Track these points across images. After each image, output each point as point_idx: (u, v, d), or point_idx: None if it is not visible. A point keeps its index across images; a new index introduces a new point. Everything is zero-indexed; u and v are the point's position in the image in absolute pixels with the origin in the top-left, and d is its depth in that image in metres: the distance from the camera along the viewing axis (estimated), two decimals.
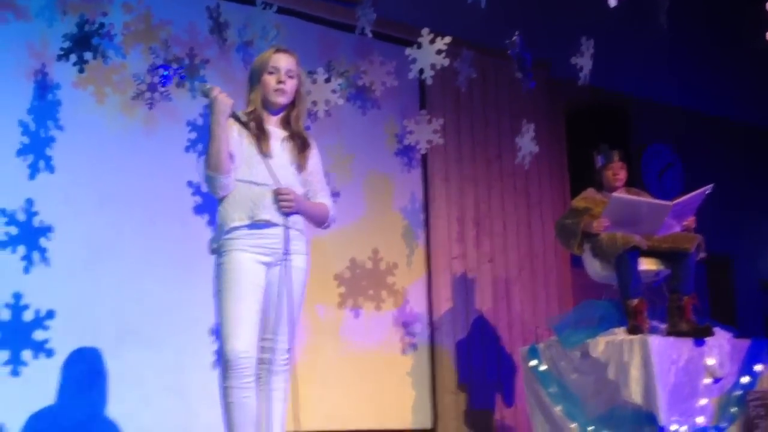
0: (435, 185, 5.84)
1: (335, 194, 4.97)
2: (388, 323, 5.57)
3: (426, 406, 5.61)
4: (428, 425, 5.59)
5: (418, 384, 5.61)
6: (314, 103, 4.74)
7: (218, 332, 3.22)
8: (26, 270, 4.44)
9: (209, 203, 4.77)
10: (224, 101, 3.19)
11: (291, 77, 3.32)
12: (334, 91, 4.81)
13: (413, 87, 5.70)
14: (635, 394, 4.33)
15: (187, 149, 4.97)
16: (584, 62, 4.73)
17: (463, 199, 5.94)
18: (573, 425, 4.62)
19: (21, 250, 4.44)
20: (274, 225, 3.20)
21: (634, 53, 6.74)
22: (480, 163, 6.07)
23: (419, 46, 4.71)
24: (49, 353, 4.43)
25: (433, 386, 5.64)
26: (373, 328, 5.50)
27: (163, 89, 4.56)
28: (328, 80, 4.83)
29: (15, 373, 4.34)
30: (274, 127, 3.34)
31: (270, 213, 3.20)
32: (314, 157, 3.41)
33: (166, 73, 4.55)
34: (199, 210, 4.95)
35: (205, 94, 3.25)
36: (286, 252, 3.20)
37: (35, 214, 4.49)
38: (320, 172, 3.44)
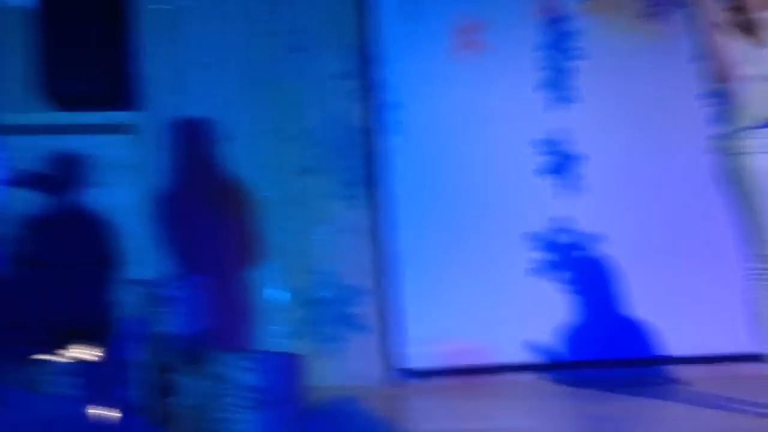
0: None
1: None
2: None
3: None
4: None
5: None
6: None
7: (749, 238, 3.20)
8: (568, 195, 4.83)
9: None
10: (707, 8, 3.08)
11: None
12: None
13: None
14: None
15: (693, 60, 4.87)
16: None
17: None
18: None
19: (553, 177, 4.84)
20: None
21: None
22: None
23: None
24: (597, 270, 4.79)
25: None
26: None
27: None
28: None
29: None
30: (761, 12, 3.13)
31: None
32: None
33: None
34: (712, 121, 4.83)
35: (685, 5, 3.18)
36: None
37: (565, 142, 4.84)
38: None
